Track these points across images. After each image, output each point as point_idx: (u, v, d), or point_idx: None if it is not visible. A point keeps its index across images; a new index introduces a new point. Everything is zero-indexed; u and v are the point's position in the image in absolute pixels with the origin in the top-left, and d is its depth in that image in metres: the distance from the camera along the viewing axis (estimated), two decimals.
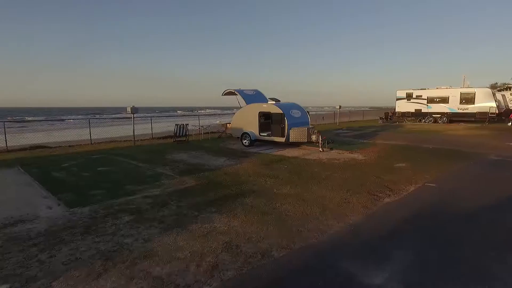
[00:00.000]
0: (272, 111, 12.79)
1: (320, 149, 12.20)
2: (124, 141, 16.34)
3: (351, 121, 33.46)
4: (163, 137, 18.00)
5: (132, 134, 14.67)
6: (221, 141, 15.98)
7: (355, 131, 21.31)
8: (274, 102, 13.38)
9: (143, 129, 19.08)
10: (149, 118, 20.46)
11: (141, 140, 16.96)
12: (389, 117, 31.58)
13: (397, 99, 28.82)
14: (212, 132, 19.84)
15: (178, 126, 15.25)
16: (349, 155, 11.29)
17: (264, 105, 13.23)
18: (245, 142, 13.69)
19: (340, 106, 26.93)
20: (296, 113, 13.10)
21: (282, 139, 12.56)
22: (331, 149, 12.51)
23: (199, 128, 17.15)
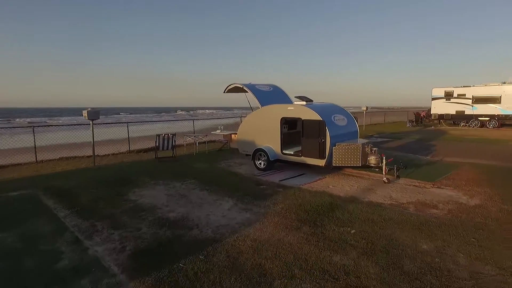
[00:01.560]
0: (303, 117, 8.11)
1: (384, 178, 7.51)
2: (87, 156, 11.68)
3: (372, 124, 28.76)
4: (145, 150, 13.35)
5: (92, 148, 9.99)
6: (222, 156, 11.31)
7: (394, 139, 16.61)
8: (304, 102, 8.70)
9: (125, 133, 14.37)
10: (147, 121, 15.87)
11: (113, 155, 12.33)
12: (420, 119, 26.86)
13: (433, 99, 24.07)
14: (211, 141, 15.22)
15: (161, 138, 10.59)
16: (440, 193, 6.63)
17: (290, 107, 8.54)
18: (260, 164, 9.02)
19: (367, 108, 22.21)
20: (340, 120, 8.42)
21: (321, 162, 7.88)
22: (398, 177, 7.85)
23: (193, 138, 12.48)
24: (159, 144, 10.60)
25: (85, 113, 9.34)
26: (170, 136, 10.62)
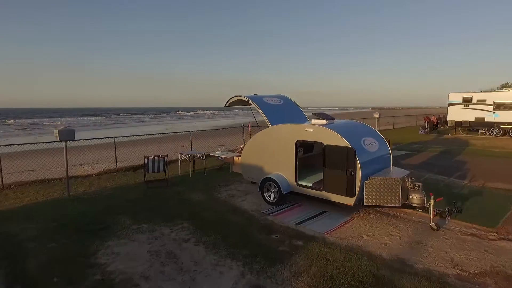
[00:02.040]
0: (326, 142, 6.41)
1: (432, 223, 5.83)
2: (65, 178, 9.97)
3: (381, 130, 27.08)
4: (134, 168, 11.71)
5: (66, 176, 8.26)
6: (222, 180, 9.63)
7: (413, 151, 14.91)
8: (324, 121, 7.01)
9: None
10: (138, 134, 14.23)
11: (96, 175, 10.65)
12: (434, 126, 25.14)
13: (450, 105, 22.35)
14: (209, 155, 13.60)
15: (150, 160, 8.91)
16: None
17: (308, 128, 6.84)
18: (270, 196, 7.34)
19: (379, 115, 20.51)
20: (371, 145, 6.73)
21: (349, 200, 6.19)
22: (447, 219, 6.15)
23: (189, 157, 10.79)
24: (148, 166, 8.92)
25: (56, 132, 7.66)
26: (161, 157, 8.94)
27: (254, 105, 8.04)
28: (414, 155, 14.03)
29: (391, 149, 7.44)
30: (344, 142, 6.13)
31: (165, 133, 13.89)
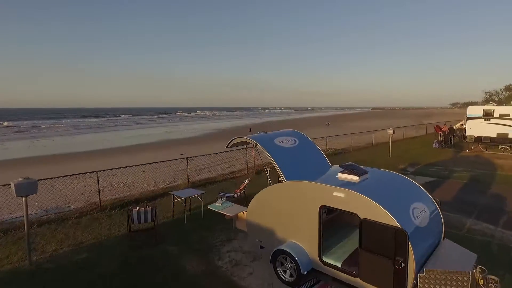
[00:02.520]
0: (363, 216, 4.74)
1: None
2: (38, 226, 8.31)
3: (391, 141, 25.35)
4: (122, 204, 10.11)
5: (26, 242, 6.56)
6: (223, 230, 7.99)
7: (435, 177, 13.24)
8: (357, 178, 5.36)
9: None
10: (127, 165, 12.78)
11: (74, 219, 9.01)
12: (449, 139, 23.45)
13: (468, 119, 20.67)
14: (210, 183, 12.11)
15: (135, 212, 7.24)
16: None
17: (338, 193, 5.15)
18: (285, 273, 5.69)
19: (394, 131, 18.83)
20: (422, 215, 5.05)
21: None
22: None
23: (183, 201, 9.09)
24: (133, 219, 7.26)
25: (12, 186, 6.01)
26: (148, 209, 7.28)
27: (263, 150, 6.37)
28: (440, 184, 12.38)
29: (439, 207, 5.76)
30: (390, 220, 4.47)
31: (159, 161, 12.23)
